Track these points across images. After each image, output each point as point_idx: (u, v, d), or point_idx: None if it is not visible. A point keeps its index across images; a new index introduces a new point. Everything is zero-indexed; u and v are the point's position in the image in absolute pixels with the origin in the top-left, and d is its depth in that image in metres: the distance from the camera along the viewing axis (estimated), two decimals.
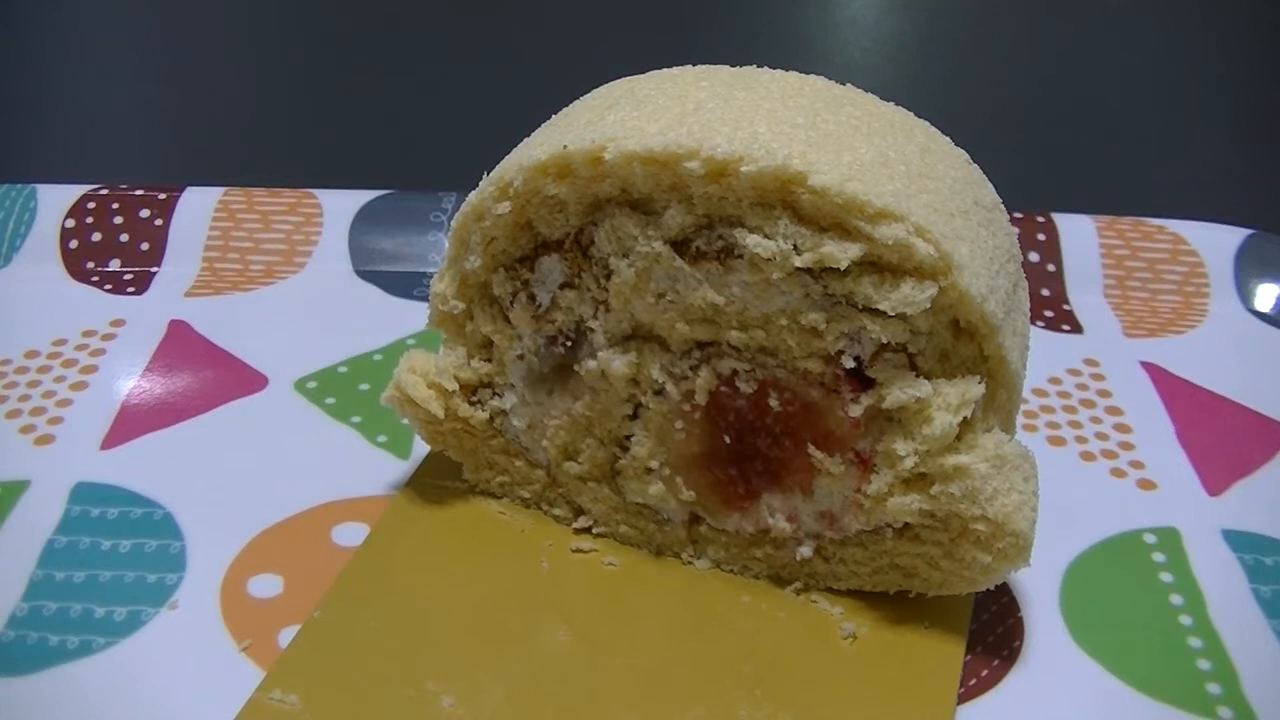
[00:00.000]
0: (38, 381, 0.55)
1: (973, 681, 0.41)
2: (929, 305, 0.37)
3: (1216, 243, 0.65)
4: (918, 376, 0.39)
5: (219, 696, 0.39)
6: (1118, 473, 0.51)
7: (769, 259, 0.38)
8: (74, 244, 0.65)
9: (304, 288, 0.63)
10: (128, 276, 0.64)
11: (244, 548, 0.46)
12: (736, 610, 0.43)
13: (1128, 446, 0.53)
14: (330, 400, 0.54)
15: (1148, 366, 0.58)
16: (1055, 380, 0.57)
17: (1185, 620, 0.44)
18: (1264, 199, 0.76)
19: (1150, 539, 0.47)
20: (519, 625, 0.42)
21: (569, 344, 0.43)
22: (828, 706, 0.39)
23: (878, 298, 0.37)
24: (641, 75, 0.44)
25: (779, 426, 0.41)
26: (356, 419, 0.53)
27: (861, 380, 0.39)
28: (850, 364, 0.39)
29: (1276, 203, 0.74)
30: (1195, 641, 0.43)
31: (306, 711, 0.38)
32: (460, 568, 0.44)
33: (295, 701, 0.38)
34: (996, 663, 0.42)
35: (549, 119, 0.44)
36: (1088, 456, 0.52)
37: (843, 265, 0.37)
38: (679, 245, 0.39)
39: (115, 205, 0.66)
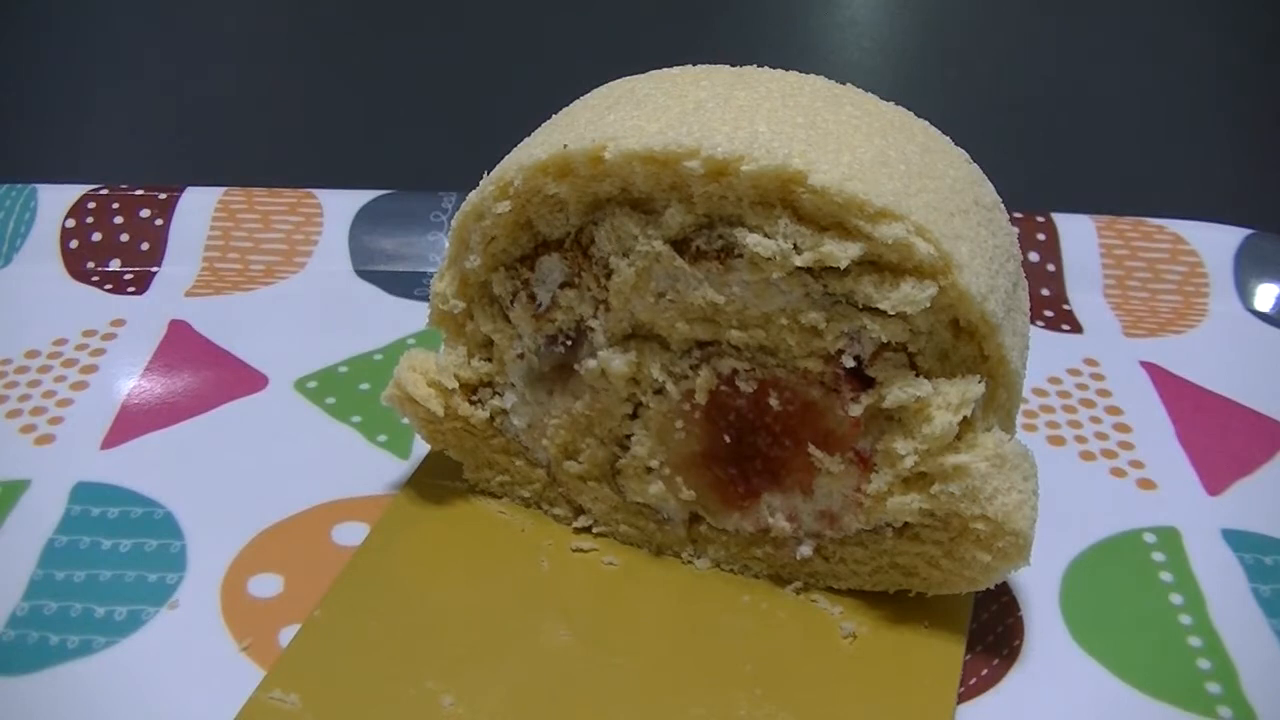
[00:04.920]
0: (38, 381, 0.55)
1: (973, 681, 0.41)
2: (929, 304, 0.37)
3: (1216, 242, 0.65)
4: (918, 376, 0.39)
5: (219, 696, 0.39)
6: (1118, 472, 0.51)
7: (769, 258, 0.38)
8: (74, 244, 0.65)
9: (304, 288, 0.63)
10: (128, 276, 0.64)
11: (244, 547, 0.46)
12: (736, 610, 0.43)
13: (1128, 446, 0.53)
14: (330, 400, 0.54)
15: (1148, 366, 0.58)
16: (1055, 380, 0.57)
17: (1185, 620, 0.44)
18: (1264, 199, 0.76)
19: (1150, 539, 0.47)
20: (519, 624, 0.42)
21: (569, 343, 0.43)
22: (828, 706, 0.39)
23: (878, 297, 0.37)
24: (641, 75, 0.44)
25: (779, 426, 0.41)
26: (356, 419, 0.53)
27: (861, 380, 0.39)
28: (850, 363, 0.39)
29: (1276, 203, 0.74)
30: (1195, 641, 0.43)
31: (306, 711, 0.38)
32: (460, 567, 0.44)
33: (295, 701, 0.38)
34: (996, 662, 0.42)
35: (549, 119, 0.44)
36: (1088, 456, 0.52)
37: (843, 264, 0.37)
38: (679, 245, 0.39)
39: (115, 205, 0.66)
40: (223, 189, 0.68)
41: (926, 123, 0.43)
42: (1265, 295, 0.63)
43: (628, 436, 0.44)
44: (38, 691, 0.40)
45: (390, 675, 0.39)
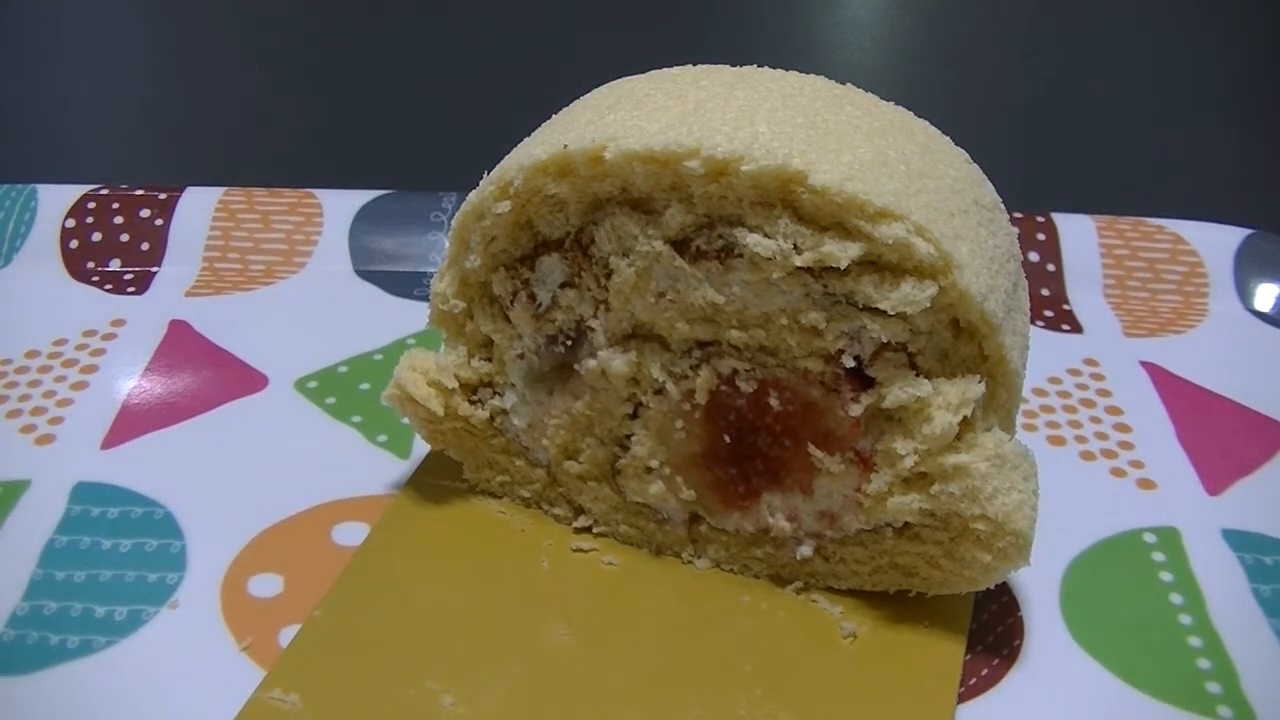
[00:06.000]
0: (38, 381, 0.55)
1: (973, 681, 0.41)
2: (929, 304, 0.37)
3: (1216, 243, 0.65)
4: (918, 376, 0.39)
5: (219, 696, 0.39)
6: (1118, 472, 0.51)
7: (769, 258, 0.38)
8: (74, 244, 0.65)
9: (304, 288, 0.63)
10: (128, 276, 0.64)
11: (244, 547, 0.46)
12: (736, 610, 0.43)
13: (1128, 446, 0.53)
14: (330, 400, 0.54)
15: (1148, 366, 0.58)
16: (1055, 380, 0.57)
17: (1185, 620, 0.44)
18: (1264, 199, 0.76)
19: (1150, 539, 0.47)
20: (519, 624, 0.42)
21: (569, 343, 0.43)
22: (828, 706, 0.39)
23: (878, 297, 0.37)
24: (641, 75, 0.44)
25: (779, 426, 0.41)
26: (357, 419, 0.53)
27: (862, 380, 0.39)
28: (850, 363, 0.39)
29: (1276, 203, 0.74)
30: (1195, 641, 0.43)
31: (307, 711, 0.38)
32: (460, 567, 0.44)
33: (295, 701, 0.38)
34: (996, 662, 0.42)
35: (549, 119, 0.44)
36: (1088, 456, 0.52)
37: (843, 264, 0.37)
38: (679, 245, 0.39)
39: (115, 205, 0.66)
40: (223, 189, 0.68)
41: (926, 123, 0.43)
42: (1265, 295, 0.63)
43: (628, 436, 0.44)
44: (38, 691, 0.40)
45: (390, 675, 0.39)
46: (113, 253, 0.65)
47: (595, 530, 0.46)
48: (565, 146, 0.39)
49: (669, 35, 1.06)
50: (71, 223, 0.65)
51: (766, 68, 0.43)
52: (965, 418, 0.38)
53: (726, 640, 0.42)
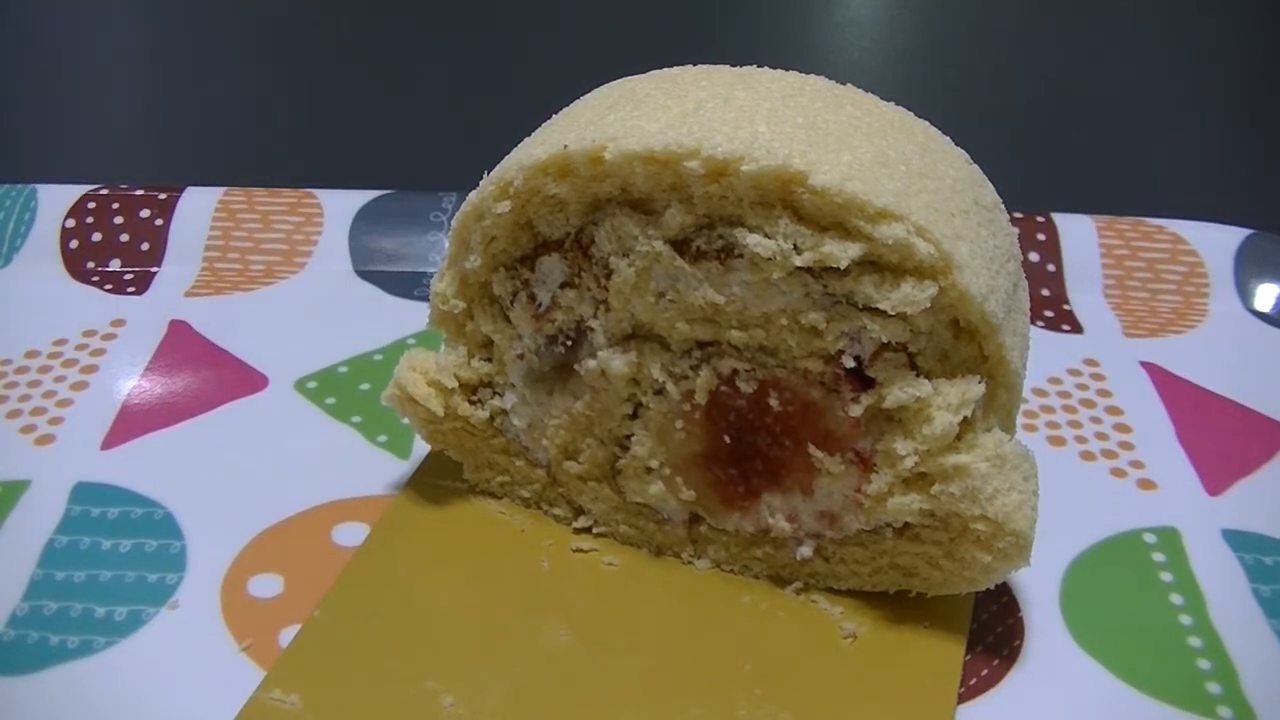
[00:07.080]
0: (38, 381, 0.55)
1: (973, 681, 0.41)
2: (929, 305, 0.37)
3: (1216, 243, 0.65)
4: (918, 376, 0.39)
5: (219, 696, 0.39)
6: (1118, 473, 0.51)
7: (769, 258, 0.38)
8: (74, 244, 0.65)
9: (304, 288, 0.63)
10: (128, 276, 0.64)
11: (244, 547, 0.46)
12: (736, 610, 0.43)
13: (1128, 446, 0.53)
14: (330, 400, 0.54)
15: (1148, 366, 0.58)
16: (1055, 380, 0.57)
17: (1185, 620, 0.44)
18: (1264, 199, 0.76)
19: (1150, 539, 0.47)
20: (519, 625, 0.42)
21: (569, 343, 0.43)
22: (828, 706, 0.39)
23: (878, 297, 0.37)
24: (641, 75, 0.44)
25: (779, 426, 0.41)
26: (356, 419, 0.53)
27: (862, 380, 0.39)
28: (850, 364, 0.39)
29: (1276, 203, 0.74)
30: (1195, 641, 0.43)
31: (307, 711, 0.38)
32: (460, 567, 0.44)
33: (295, 701, 0.38)
34: (996, 663, 0.42)
35: (549, 119, 0.44)
36: (1088, 456, 0.52)
37: (843, 265, 0.37)
38: (679, 245, 0.39)
39: (115, 205, 0.66)
40: (223, 189, 0.68)
41: (927, 123, 0.43)
42: (1265, 295, 0.63)
43: (628, 437, 0.44)
44: (38, 691, 0.40)
45: (390, 675, 0.40)
46: (113, 253, 0.65)
47: (595, 530, 0.46)
48: (565, 146, 0.39)
49: (669, 35, 1.06)
50: (71, 223, 0.65)
51: (766, 68, 0.43)
52: (965, 418, 0.38)
53: (726, 640, 0.42)
